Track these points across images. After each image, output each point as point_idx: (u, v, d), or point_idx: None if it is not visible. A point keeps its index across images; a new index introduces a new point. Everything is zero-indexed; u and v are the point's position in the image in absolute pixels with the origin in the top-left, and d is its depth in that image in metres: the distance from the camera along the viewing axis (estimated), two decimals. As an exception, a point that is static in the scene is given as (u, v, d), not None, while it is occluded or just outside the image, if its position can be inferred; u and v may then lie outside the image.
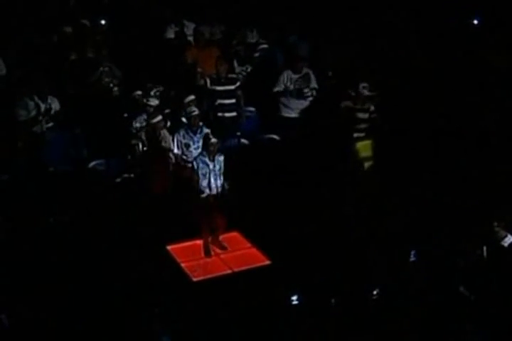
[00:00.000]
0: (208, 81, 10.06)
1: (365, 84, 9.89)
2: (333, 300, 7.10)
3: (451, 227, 8.12)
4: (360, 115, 9.94)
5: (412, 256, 7.52)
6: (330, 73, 11.15)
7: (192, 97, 9.35)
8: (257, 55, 11.30)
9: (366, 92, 9.90)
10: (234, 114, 10.08)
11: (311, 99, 10.56)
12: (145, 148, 9.19)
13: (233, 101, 10.07)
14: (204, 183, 8.49)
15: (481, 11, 11.87)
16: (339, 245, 8.26)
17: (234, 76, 10.34)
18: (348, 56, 11.32)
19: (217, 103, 10.00)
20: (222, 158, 8.56)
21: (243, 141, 10.26)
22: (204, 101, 9.98)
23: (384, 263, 7.65)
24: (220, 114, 9.98)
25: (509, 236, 7.11)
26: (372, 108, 9.96)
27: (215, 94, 9.99)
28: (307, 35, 11.56)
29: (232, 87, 10.04)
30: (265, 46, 11.43)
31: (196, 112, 9.01)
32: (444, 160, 9.52)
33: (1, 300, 7.30)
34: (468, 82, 10.63)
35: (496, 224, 7.11)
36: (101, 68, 10.09)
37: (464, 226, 7.79)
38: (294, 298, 7.38)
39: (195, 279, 8.01)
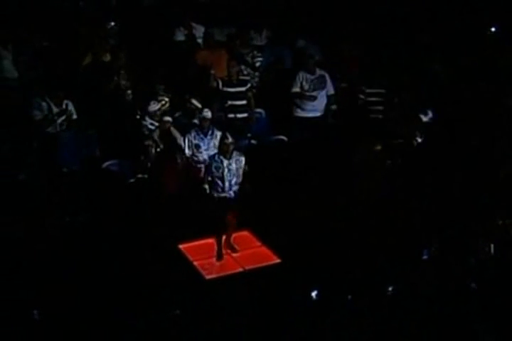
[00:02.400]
0: (220, 83, 10.17)
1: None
2: (349, 297, 7.16)
3: (462, 225, 8.23)
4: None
5: (424, 254, 7.59)
6: (338, 76, 11.24)
7: (209, 114, 9.25)
8: (261, 58, 11.30)
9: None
10: (245, 115, 10.20)
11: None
12: (158, 149, 9.28)
13: (244, 102, 10.18)
14: (217, 179, 8.34)
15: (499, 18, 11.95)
16: (350, 243, 8.35)
17: (245, 78, 10.47)
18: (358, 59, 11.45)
19: (228, 104, 10.12)
20: (242, 158, 8.38)
21: (253, 141, 10.36)
22: (215, 102, 10.09)
23: (397, 261, 7.73)
24: (231, 115, 10.10)
25: None
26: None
27: (226, 95, 10.10)
28: (316, 38, 11.63)
29: (243, 89, 10.17)
30: (272, 49, 11.46)
31: (209, 116, 9.14)
32: (455, 158, 9.57)
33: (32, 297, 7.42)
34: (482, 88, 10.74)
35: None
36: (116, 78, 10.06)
37: (474, 224, 7.87)
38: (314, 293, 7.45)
39: (207, 277, 8.11)
